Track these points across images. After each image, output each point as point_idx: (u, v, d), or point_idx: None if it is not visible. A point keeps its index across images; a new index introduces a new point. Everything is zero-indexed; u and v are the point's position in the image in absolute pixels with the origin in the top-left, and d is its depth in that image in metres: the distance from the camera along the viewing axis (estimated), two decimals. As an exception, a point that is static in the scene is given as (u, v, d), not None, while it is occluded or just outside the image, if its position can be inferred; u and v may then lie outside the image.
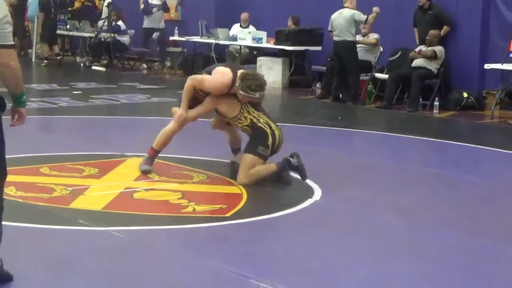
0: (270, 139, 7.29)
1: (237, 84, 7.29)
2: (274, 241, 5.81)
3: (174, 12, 19.03)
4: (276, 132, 7.35)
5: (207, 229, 6.00)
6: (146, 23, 18.36)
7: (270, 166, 7.34)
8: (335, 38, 13.66)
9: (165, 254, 5.37)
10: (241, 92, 7.29)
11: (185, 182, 7.32)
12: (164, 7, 18.37)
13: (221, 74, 7.41)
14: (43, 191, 6.74)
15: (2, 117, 4.37)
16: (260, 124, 7.34)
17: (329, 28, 13.83)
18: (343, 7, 13.64)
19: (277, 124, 7.52)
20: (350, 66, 13.57)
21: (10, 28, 4.32)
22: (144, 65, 18.26)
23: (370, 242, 5.77)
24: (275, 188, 7.21)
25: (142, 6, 18.40)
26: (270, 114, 7.62)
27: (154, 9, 18.18)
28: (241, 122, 7.40)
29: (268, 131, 7.31)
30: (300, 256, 5.43)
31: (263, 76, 7.63)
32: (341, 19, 13.52)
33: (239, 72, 7.42)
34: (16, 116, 4.57)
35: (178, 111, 7.59)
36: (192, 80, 7.56)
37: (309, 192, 7.04)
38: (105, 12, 19.46)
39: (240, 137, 7.94)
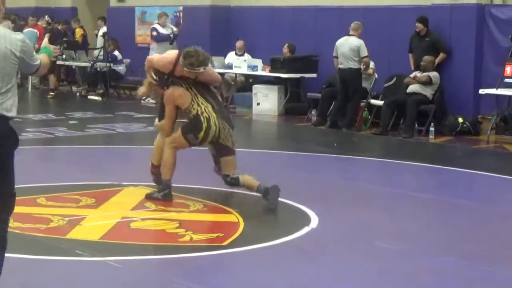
0: (202, 134, 7.51)
1: (181, 62, 7.54)
2: (271, 269, 5.80)
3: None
4: (213, 128, 7.50)
5: (205, 258, 6.00)
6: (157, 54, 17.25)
7: (171, 168, 7.60)
8: (340, 66, 13.67)
9: (163, 284, 5.36)
10: (185, 69, 7.53)
11: (182, 211, 7.33)
12: (174, 36, 17.42)
13: (167, 53, 8.03)
14: (40, 222, 6.73)
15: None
16: (201, 117, 7.52)
17: (334, 54, 13.81)
18: (349, 35, 13.67)
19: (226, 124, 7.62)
20: (354, 93, 13.62)
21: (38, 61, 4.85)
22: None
23: (367, 269, 5.77)
24: (271, 216, 7.21)
25: (154, 33, 17.64)
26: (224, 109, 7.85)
27: (171, 35, 17.28)
28: (191, 112, 7.59)
29: (204, 125, 7.50)
30: (297, 284, 5.42)
31: (205, 52, 7.77)
32: (346, 47, 13.54)
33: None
34: None
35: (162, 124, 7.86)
36: (146, 63, 7.95)
37: (306, 219, 7.04)
38: (100, 41, 19.52)
39: None
